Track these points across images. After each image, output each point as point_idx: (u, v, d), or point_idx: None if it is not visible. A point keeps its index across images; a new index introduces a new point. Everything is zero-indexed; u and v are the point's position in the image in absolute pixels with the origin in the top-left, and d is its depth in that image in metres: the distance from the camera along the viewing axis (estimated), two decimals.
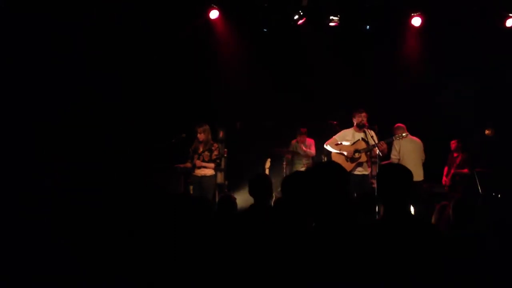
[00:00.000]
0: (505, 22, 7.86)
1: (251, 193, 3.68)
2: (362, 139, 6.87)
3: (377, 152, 6.61)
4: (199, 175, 6.86)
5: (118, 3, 6.92)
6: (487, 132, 8.48)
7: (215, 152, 6.85)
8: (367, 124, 6.78)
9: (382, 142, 6.63)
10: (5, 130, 5.80)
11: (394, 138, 6.77)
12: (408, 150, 6.99)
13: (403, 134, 6.77)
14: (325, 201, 2.00)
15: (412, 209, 6.19)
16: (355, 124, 6.92)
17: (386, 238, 2.26)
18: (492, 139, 8.39)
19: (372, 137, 6.74)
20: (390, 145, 6.85)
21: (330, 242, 1.96)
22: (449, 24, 7.89)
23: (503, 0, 7.59)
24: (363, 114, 6.82)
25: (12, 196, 5.20)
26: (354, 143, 6.90)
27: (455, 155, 8.27)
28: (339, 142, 6.99)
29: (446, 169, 8.39)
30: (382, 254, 2.06)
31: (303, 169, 8.21)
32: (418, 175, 6.89)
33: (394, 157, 7.06)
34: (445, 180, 8.33)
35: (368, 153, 6.82)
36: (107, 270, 3.63)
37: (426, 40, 8.27)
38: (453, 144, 8.28)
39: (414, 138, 7.15)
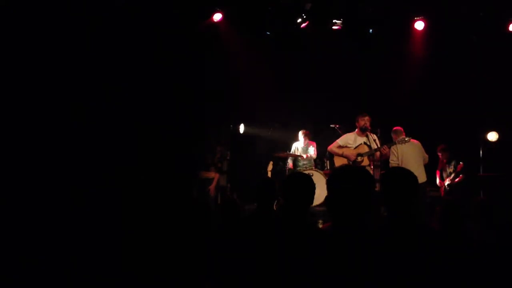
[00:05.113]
0: (508, 26, 7.86)
1: (255, 197, 3.68)
2: (365, 143, 6.88)
3: (380, 156, 6.62)
4: (202, 177, 6.88)
5: (120, 5, 6.94)
6: (489, 137, 8.45)
7: (218, 155, 6.86)
8: (370, 128, 6.78)
9: (385, 146, 6.63)
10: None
11: (397, 142, 6.76)
12: (407, 153, 6.92)
13: (406, 139, 6.75)
14: (351, 205, 2.00)
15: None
16: (357, 127, 6.93)
17: (389, 241, 2.26)
18: (494, 144, 8.38)
19: (374, 140, 6.74)
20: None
21: (342, 245, 1.96)
22: (452, 28, 7.90)
23: (506, 4, 7.59)
24: (366, 118, 6.83)
25: (16, 196, 5.22)
26: (356, 147, 6.90)
27: (444, 161, 8.25)
28: (342, 146, 7.00)
29: (438, 172, 8.36)
30: (385, 257, 2.06)
31: (306, 172, 8.21)
32: (420, 177, 6.78)
33: (393, 162, 6.97)
34: (440, 182, 8.30)
35: (371, 157, 6.82)
36: (108, 270, 3.63)
37: (429, 44, 8.27)
38: (439, 151, 8.23)
39: (413, 140, 7.08)
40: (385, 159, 6.67)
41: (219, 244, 3.15)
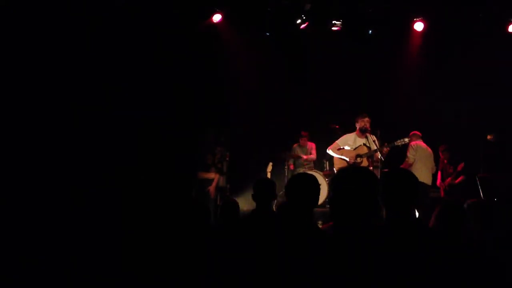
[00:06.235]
0: (508, 27, 7.87)
1: (254, 197, 3.68)
2: (364, 144, 6.87)
3: (379, 157, 6.60)
4: (202, 177, 6.88)
5: (120, 5, 6.94)
6: (489, 137, 8.46)
7: (218, 156, 6.86)
8: (369, 129, 6.78)
9: (385, 144, 6.65)
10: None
11: (395, 144, 6.79)
12: (421, 155, 7.34)
13: (405, 139, 6.85)
14: (354, 206, 1.99)
15: (416, 213, 6.21)
16: (357, 128, 6.92)
17: (389, 241, 2.26)
18: (494, 144, 8.37)
19: (374, 141, 6.74)
20: (392, 150, 6.86)
21: (343, 246, 1.96)
22: (451, 29, 7.90)
23: (506, 5, 7.59)
24: (366, 119, 6.82)
25: (17, 196, 5.23)
26: (356, 148, 6.90)
27: (445, 161, 8.27)
28: (341, 147, 6.99)
29: (439, 173, 8.39)
30: (386, 258, 2.06)
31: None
32: (428, 179, 7.32)
33: (411, 156, 7.30)
34: (440, 182, 8.32)
35: (370, 158, 6.82)
36: (108, 270, 3.63)
37: (429, 45, 8.27)
38: (440, 152, 8.30)
39: (427, 147, 7.48)
40: (384, 159, 6.67)
41: (218, 244, 3.15)
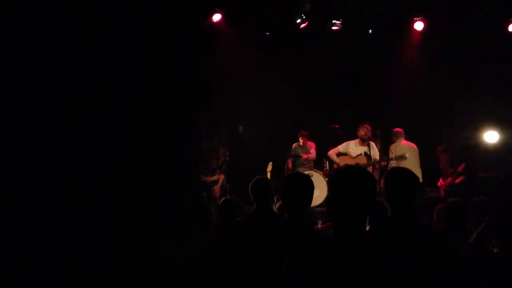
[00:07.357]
0: (508, 27, 7.86)
1: (253, 197, 3.67)
2: (365, 153, 6.87)
3: (383, 164, 6.62)
4: (209, 180, 6.92)
5: (120, 5, 6.94)
6: (487, 137, 8.45)
7: (222, 158, 6.89)
8: (372, 137, 6.77)
9: (382, 162, 6.68)
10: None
11: (394, 159, 6.79)
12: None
13: (406, 155, 6.80)
14: (352, 206, 1.99)
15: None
16: (359, 136, 6.92)
17: (390, 241, 2.27)
18: (493, 144, 8.37)
19: (377, 150, 6.73)
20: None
21: (342, 245, 1.96)
22: (451, 29, 7.90)
23: (506, 5, 7.59)
24: (366, 127, 6.82)
25: (17, 196, 5.23)
26: (356, 156, 6.90)
27: (445, 162, 8.26)
28: (342, 153, 7.00)
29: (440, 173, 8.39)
30: (386, 258, 2.06)
31: (306, 172, 8.21)
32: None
33: (392, 162, 7.13)
34: (441, 183, 8.31)
35: (370, 167, 6.82)
36: (108, 270, 3.64)
37: (429, 44, 8.27)
38: (439, 152, 8.27)
39: (411, 144, 7.32)
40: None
41: (218, 244, 3.15)
